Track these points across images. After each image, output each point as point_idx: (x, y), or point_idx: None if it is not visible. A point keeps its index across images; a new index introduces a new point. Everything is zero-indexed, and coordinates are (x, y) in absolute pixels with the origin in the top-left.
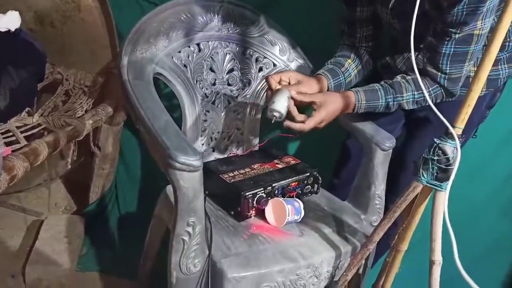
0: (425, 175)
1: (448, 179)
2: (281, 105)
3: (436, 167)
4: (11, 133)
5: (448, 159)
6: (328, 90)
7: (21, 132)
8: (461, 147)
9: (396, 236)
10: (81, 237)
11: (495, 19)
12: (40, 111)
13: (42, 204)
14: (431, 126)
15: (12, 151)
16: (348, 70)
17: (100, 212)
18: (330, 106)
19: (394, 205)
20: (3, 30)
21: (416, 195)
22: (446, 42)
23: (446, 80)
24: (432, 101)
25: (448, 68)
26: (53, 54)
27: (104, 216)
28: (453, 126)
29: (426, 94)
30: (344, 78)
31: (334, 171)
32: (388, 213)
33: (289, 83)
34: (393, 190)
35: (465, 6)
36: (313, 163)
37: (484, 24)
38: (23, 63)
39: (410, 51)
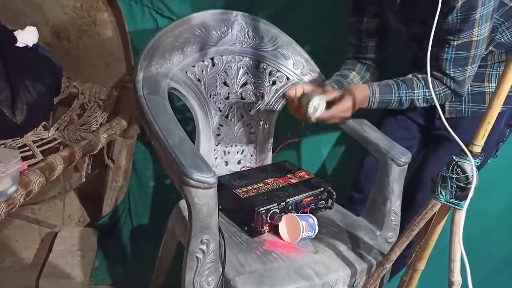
0: (443, 193)
1: (466, 197)
2: (312, 106)
3: (455, 185)
4: (27, 148)
5: (467, 177)
6: None
7: (37, 147)
8: (481, 167)
9: (414, 255)
10: (94, 250)
11: (500, 34)
12: (56, 125)
13: (56, 216)
14: (449, 144)
15: (28, 165)
16: (353, 81)
17: (113, 225)
18: (355, 92)
19: (411, 223)
20: (21, 45)
21: (434, 214)
22: (446, 49)
23: (452, 82)
24: (441, 100)
25: (452, 72)
26: (69, 68)
27: (117, 228)
28: (472, 144)
29: (433, 94)
30: None
31: (353, 184)
32: (405, 231)
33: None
34: (410, 208)
35: (458, 15)
36: (331, 176)
37: (480, 31)
38: (40, 77)
39: (418, 56)
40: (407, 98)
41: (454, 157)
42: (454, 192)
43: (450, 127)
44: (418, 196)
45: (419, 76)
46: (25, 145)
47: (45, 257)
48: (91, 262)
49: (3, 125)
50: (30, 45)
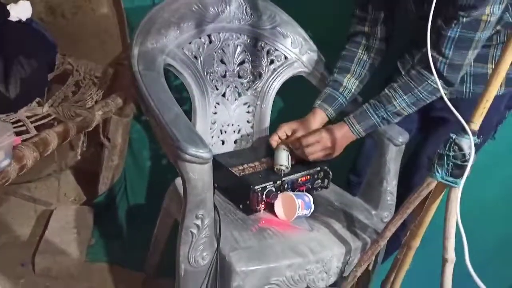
0: (439, 171)
1: (463, 175)
2: (281, 159)
3: (452, 163)
4: (21, 123)
5: (464, 155)
6: (329, 119)
7: (31, 122)
8: (479, 147)
9: (408, 233)
10: (90, 228)
11: (509, 13)
12: (50, 101)
13: (51, 194)
14: (448, 125)
15: (22, 140)
16: (347, 87)
17: (109, 203)
18: (325, 134)
19: (407, 201)
20: (14, 19)
21: (430, 192)
22: (453, 26)
23: (446, 66)
24: (428, 97)
25: (450, 52)
26: (63, 44)
27: (113, 207)
28: (470, 122)
29: (419, 93)
30: (344, 97)
31: (351, 167)
32: (400, 209)
33: (287, 136)
34: (407, 189)
35: None
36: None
37: (492, 11)
38: (34, 53)
39: (424, 37)
40: (389, 114)
41: (451, 135)
42: (450, 170)
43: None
44: (416, 177)
45: (395, 85)
46: (18, 121)
47: (41, 234)
48: (87, 239)
49: None
50: (24, 19)
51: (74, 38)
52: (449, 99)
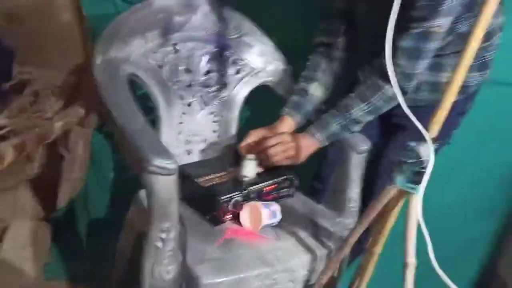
0: (399, 178)
1: (421, 181)
2: (246, 169)
3: (411, 171)
4: None
5: (422, 162)
6: (297, 126)
7: None
8: (436, 152)
9: (370, 239)
10: (48, 244)
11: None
12: (6, 112)
13: (7, 209)
14: (407, 132)
15: None
16: (314, 94)
17: (69, 218)
18: (287, 135)
19: (369, 208)
20: None
21: (391, 198)
22: (404, 37)
23: (399, 75)
24: (383, 107)
25: (403, 62)
26: (21, 52)
27: (72, 222)
28: (427, 129)
29: (374, 100)
30: (311, 105)
31: (315, 175)
32: (363, 216)
33: (256, 142)
34: (370, 195)
35: (427, 1)
36: (294, 167)
37: (443, 22)
38: None
39: (379, 47)
40: (348, 121)
41: (410, 143)
42: (410, 177)
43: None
44: (378, 183)
45: (352, 94)
46: None
47: None
48: (45, 256)
49: None
50: None
51: (33, 45)
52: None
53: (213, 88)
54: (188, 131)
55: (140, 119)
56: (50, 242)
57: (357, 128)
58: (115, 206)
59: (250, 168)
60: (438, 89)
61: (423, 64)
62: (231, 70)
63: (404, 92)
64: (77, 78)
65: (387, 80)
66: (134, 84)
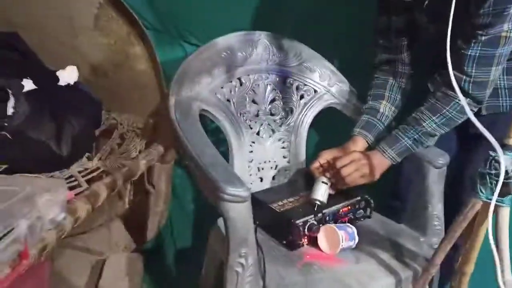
0: (483, 191)
1: (509, 193)
2: (318, 193)
3: (495, 181)
4: (73, 178)
5: (507, 172)
6: (369, 145)
7: (83, 176)
8: None
9: (460, 258)
10: (141, 275)
11: None
12: (99, 155)
13: (104, 243)
14: (487, 141)
15: (75, 194)
16: (384, 113)
17: (157, 249)
18: (358, 154)
19: (453, 225)
20: (63, 84)
21: (477, 213)
22: (472, 45)
23: (470, 84)
24: (457, 118)
25: (473, 71)
26: (107, 101)
27: (161, 252)
28: (509, 137)
29: (448, 112)
30: (382, 123)
31: (392, 193)
32: (448, 234)
33: (329, 163)
34: (455, 211)
35: (490, 8)
36: (368, 187)
37: (511, 27)
38: (82, 111)
39: (444, 59)
40: (420, 134)
41: (491, 152)
42: (494, 189)
43: (489, 123)
44: (461, 198)
45: (422, 108)
46: (71, 176)
47: (95, 283)
48: (139, 286)
49: (50, 158)
50: (71, 83)
51: (116, 94)
52: (486, 115)
53: (279, 116)
54: (258, 158)
55: (212, 151)
56: (142, 272)
57: (430, 142)
58: (198, 234)
59: (322, 191)
60: None
61: (496, 71)
62: (295, 96)
63: (478, 101)
64: (156, 119)
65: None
66: (205, 119)
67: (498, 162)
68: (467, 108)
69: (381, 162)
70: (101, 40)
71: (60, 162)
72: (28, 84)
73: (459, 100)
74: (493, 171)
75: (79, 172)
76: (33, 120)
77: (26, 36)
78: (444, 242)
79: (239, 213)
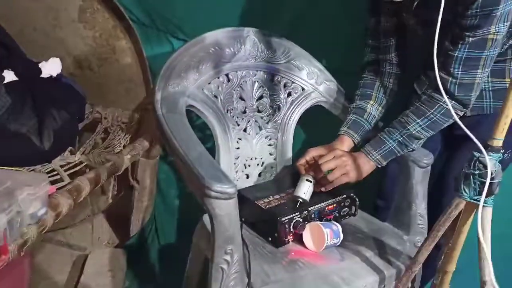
0: (467, 191)
1: (492, 193)
2: (301, 190)
3: (478, 182)
4: (55, 172)
5: (490, 172)
6: (355, 145)
7: (65, 171)
8: (508, 163)
9: (442, 257)
10: (124, 270)
11: None
12: (82, 149)
13: (86, 239)
14: (472, 142)
15: (57, 189)
16: (371, 113)
17: (141, 245)
18: (341, 152)
19: (437, 224)
20: (46, 76)
21: (460, 213)
22: (459, 46)
23: (456, 87)
24: (443, 121)
25: (459, 72)
26: (91, 94)
27: (145, 248)
28: (492, 138)
29: (432, 115)
30: (369, 123)
31: (378, 192)
32: (431, 233)
33: (315, 161)
34: (438, 211)
35: (478, 10)
36: (355, 185)
37: (498, 29)
38: (64, 105)
39: (431, 61)
40: (404, 137)
41: (475, 153)
42: (478, 189)
43: (473, 124)
44: (445, 198)
45: (407, 111)
46: (53, 170)
47: (77, 279)
48: (122, 282)
49: (31, 151)
50: (54, 75)
51: (101, 88)
52: (470, 116)
53: (266, 113)
54: (245, 155)
55: (199, 147)
56: (126, 268)
57: (416, 145)
58: (182, 231)
59: (305, 188)
60: (504, 96)
61: (483, 73)
62: (282, 94)
63: (464, 104)
64: (141, 114)
65: (442, 92)
66: (191, 114)
67: (482, 162)
68: (451, 110)
69: (366, 164)
70: (86, 33)
71: (41, 156)
72: (9, 76)
73: (443, 103)
74: (477, 172)
75: (61, 166)
76: (14, 112)
77: (8, 27)
78: (428, 241)
79: (226, 210)
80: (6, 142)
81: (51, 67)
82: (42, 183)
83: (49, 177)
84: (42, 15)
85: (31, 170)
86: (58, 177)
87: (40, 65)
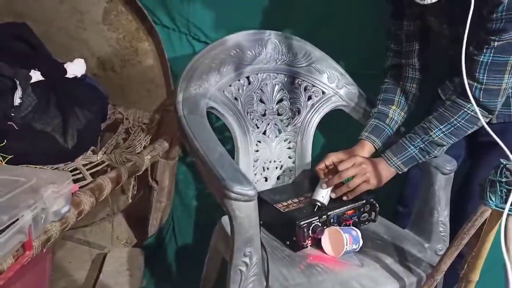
0: (493, 199)
1: None
2: (319, 194)
3: (505, 189)
4: (78, 171)
5: None
6: (376, 150)
7: (87, 170)
8: None
9: (466, 266)
10: (142, 270)
11: None
12: (104, 149)
13: (105, 237)
14: (498, 149)
15: (80, 187)
16: (393, 118)
17: (159, 245)
18: (361, 158)
19: (461, 231)
20: (70, 76)
21: (485, 221)
22: (485, 51)
23: (481, 92)
24: (467, 128)
25: (484, 78)
26: (114, 95)
27: (162, 248)
28: None
29: (456, 122)
30: (391, 128)
31: (399, 199)
32: (455, 240)
33: (335, 165)
34: (461, 218)
35: (503, 13)
36: (375, 190)
37: None
38: (88, 105)
39: (456, 65)
40: (426, 143)
41: (502, 160)
42: (504, 197)
43: (499, 131)
44: (469, 205)
45: (430, 116)
46: (76, 169)
47: (96, 277)
48: (139, 281)
49: (55, 150)
50: (79, 76)
51: (123, 89)
52: (496, 124)
53: (286, 116)
54: (264, 158)
55: (219, 149)
56: (143, 267)
57: (438, 152)
58: (200, 232)
59: (323, 193)
60: None
61: (509, 79)
62: (302, 97)
63: (490, 110)
64: (162, 115)
65: (468, 98)
66: (211, 116)
67: (509, 170)
68: (479, 115)
69: (386, 170)
70: (110, 35)
71: (65, 155)
72: (35, 75)
73: (467, 109)
74: (504, 179)
75: (84, 165)
76: (39, 111)
77: (35, 28)
78: (451, 249)
79: (245, 212)
80: (32, 140)
81: (76, 68)
82: (66, 181)
83: (72, 175)
84: (67, 17)
85: (55, 169)
86: (80, 175)
87: (65, 65)
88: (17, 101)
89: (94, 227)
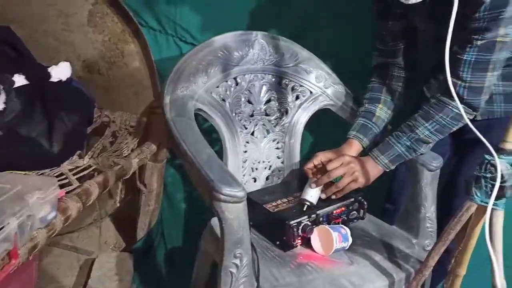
0: (478, 194)
1: (504, 196)
2: (308, 193)
3: (490, 185)
4: (64, 176)
5: (502, 176)
6: (364, 149)
7: (73, 174)
8: None
9: (453, 260)
10: (131, 274)
11: None
12: (90, 153)
13: (93, 242)
14: (482, 146)
15: (66, 192)
16: (380, 117)
17: (148, 249)
18: (349, 158)
19: (447, 227)
20: (55, 80)
21: (471, 216)
22: (468, 49)
23: (465, 90)
24: (452, 125)
25: (468, 76)
26: (100, 98)
27: (151, 252)
28: (504, 141)
29: (440, 119)
30: (378, 127)
31: (386, 196)
32: (442, 236)
33: (323, 165)
34: (448, 214)
35: (486, 12)
36: (363, 188)
37: (507, 32)
38: (74, 109)
39: (441, 63)
40: (412, 141)
41: (486, 156)
42: (489, 192)
43: (484, 128)
44: (455, 201)
45: (416, 115)
46: (62, 174)
47: (84, 283)
48: (128, 286)
49: (41, 155)
50: (64, 79)
51: (109, 91)
52: (481, 120)
53: (274, 116)
54: (253, 159)
55: (208, 150)
56: (132, 271)
57: (424, 149)
58: (189, 234)
59: (312, 192)
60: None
61: (492, 77)
62: (290, 97)
63: (474, 108)
64: (149, 117)
65: (452, 96)
66: (198, 118)
67: (493, 165)
68: (463, 113)
69: (374, 168)
70: (95, 37)
71: (50, 160)
72: (19, 80)
73: (452, 106)
74: (488, 175)
75: (70, 170)
76: (24, 116)
77: (19, 31)
78: (438, 244)
79: (235, 213)
80: (16, 146)
81: (61, 71)
82: (52, 187)
83: (58, 181)
84: (53, 20)
85: (40, 174)
86: (66, 181)
87: (49, 69)
88: (0, 106)
89: (81, 233)
